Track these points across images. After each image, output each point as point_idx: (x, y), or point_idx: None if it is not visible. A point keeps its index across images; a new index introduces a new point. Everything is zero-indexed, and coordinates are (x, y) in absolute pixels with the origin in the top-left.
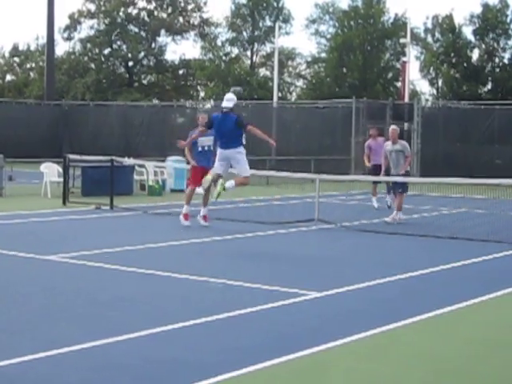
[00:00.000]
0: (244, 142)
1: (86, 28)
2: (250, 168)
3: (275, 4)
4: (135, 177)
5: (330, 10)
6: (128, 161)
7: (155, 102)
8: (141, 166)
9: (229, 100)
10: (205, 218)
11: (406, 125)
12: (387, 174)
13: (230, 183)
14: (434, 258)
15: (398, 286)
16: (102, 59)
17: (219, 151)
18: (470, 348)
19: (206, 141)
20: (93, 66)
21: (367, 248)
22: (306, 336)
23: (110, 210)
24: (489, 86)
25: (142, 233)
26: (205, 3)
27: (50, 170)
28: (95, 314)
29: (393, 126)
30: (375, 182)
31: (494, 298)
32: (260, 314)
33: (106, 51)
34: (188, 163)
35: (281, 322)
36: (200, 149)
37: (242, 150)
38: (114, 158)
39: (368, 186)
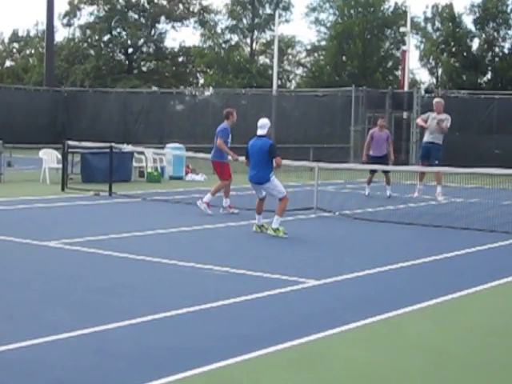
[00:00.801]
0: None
1: (86, 14)
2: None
3: None
4: (134, 164)
5: None
6: (127, 147)
7: (154, 89)
8: (140, 152)
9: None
10: (207, 204)
11: (405, 113)
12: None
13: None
14: (434, 246)
15: (398, 275)
16: (102, 46)
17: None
18: (470, 336)
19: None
20: (92, 52)
21: (366, 236)
22: (305, 324)
23: (109, 196)
24: (488, 76)
25: (140, 220)
26: None
27: (49, 157)
28: (93, 300)
29: (437, 99)
30: (372, 172)
31: (496, 286)
32: (258, 301)
33: (106, 38)
34: (225, 159)
35: (280, 310)
36: (228, 145)
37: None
38: (113, 144)
39: (366, 175)
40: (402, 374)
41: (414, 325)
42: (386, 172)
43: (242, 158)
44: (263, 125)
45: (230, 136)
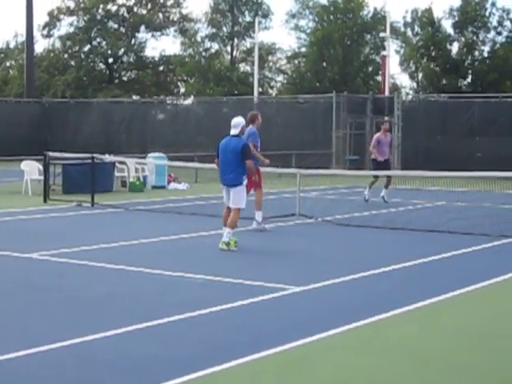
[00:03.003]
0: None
1: (66, 25)
2: None
3: None
4: (116, 174)
5: (310, 4)
6: (109, 158)
7: (136, 98)
8: (122, 162)
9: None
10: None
11: (386, 118)
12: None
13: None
14: (416, 250)
15: (381, 279)
16: (82, 56)
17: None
18: (454, 339)
19: None
20: (73, 63)
21: (349, 242)
22: (289, 330)
23: (91, 207)
24: (469, 79)
25: (123, 230)
26: None
27: (31, 168)
28: (75, 311)
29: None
30: (376, 177)
31: (478, 288)
32: (243, 309)
33: (86, 48)
34: (259, 164)
35: (263, 316)
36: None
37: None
38: (94, 155)
39: (349, 181)
40: (388, 377)
41: (398, 329)
42: (388, 176)
43: (267, 161)
44: (236, 124)
45: (260, 140)
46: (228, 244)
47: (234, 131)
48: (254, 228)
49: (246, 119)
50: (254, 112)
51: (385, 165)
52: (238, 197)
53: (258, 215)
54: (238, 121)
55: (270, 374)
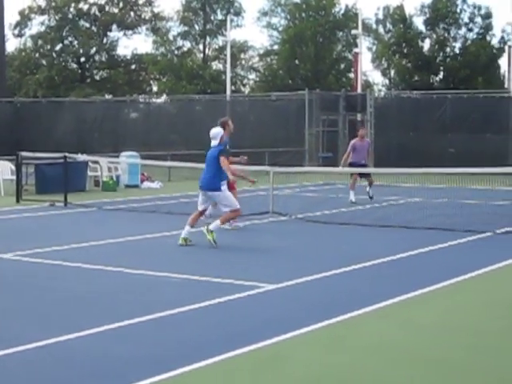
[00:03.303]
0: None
1: (37, 24)
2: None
3: None
4: (89, 173)
5: (282, 2)
6: (81, 157)
7: (108, 97)
8: (94, 162)
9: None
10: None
11: (359, 115)
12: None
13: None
14: (389, 247)
15: (354, 276)
16: (54, 55)
17: None
18: (426, 334)
19: None
20: (44, 62)
21: (322, 239)
22: (263, 328)
23: (65, 206)
24: (440, 76)
25: (96, 229)
26: None
27: (3, 168)
28: (49, 311)
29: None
30: (356, 175)
31: (452, 284)
32: (217, 307)
33: (58, 47)
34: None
35: (237, 315)
36: None
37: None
38: (67, 154)
39: (321, 178)
40: (360, 374)
41: (371, 325)
42: (367, 175)
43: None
44: (214, 135)
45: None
46: (210, 232)
47: (213, 142)
48: (227, 228)
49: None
50: (225, 118)
51: (361, 167)
52: (226, 200)
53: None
54: (215, 131)
55: (243, 372)
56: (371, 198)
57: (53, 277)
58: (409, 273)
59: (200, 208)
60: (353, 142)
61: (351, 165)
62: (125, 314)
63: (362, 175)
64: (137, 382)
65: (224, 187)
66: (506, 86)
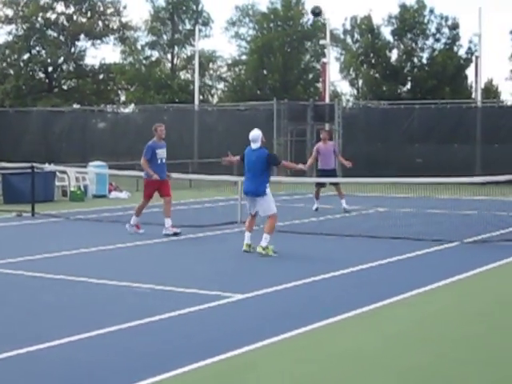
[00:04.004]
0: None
1: (4, 33)
2: (173, 171)
3: (194, 7)
4: (57, 183)
5: (250, 12)
6: (49, 167)
7: (76, 107)
8: (62, 172)
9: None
10: (137, 226)
11: (327, 125)
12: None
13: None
14: (358, 256)
15: (322, 286)
16: (21, 65)
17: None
18: (395, 343)
19: (163, 153)
20: (11, 71)
21: (292, 249)
22: (231, 338)
23: (32, 216)
24: (408, 86)
25: (65, 239)
26: (124, 7)
27: None
28: (19, 321)
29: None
30: (319, 185)
31: (420, 293)
32: (185, 317)
33: (25, 57)
34: (147, 176)
35: (205, 324)
36: (159, 161)
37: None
38: (34, 164)
39: (290, 188)
40: (330, 382)
41: (341, 335)
42: (336, 185)
43: (156, 176)
44: (255, 138)
45: (162, 151)
46: (266, 248)
47: (254, 145)
48: (164, 234)
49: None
50: (157, 124)
51: (329, 174)
52: (266, 204)
53: (167, 222)
54: (256, 134)
55: (213, 381)
56: (348, 211)
57: (23, 287)
58: (378, 282)
59: (252, 212)
60: (316, 146)
61: (320, 171)
62: (94, 324)
63: (324, 185)
64: None
65: (268, 190)
66: (473, 96)
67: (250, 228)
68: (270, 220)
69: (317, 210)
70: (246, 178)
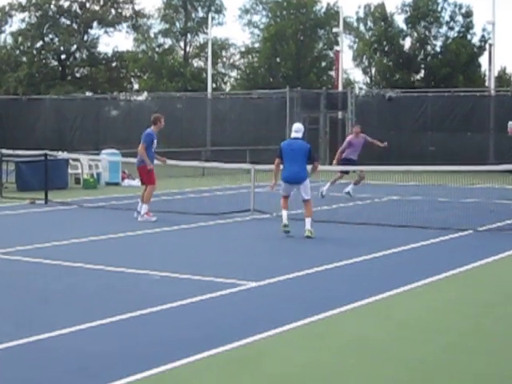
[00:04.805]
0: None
1: (17, 21)
2: (186, 159)
3: None
4: (70, 171)
5: (263, 0)
6: (62, 155)
7: (89, 94)
8: (75, 159)
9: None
10: (147, 214)
11: (340, 113)
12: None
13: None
14: (370, 245)
15: (335, 274)
16: (34, 53)
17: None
18: (404, 333)
19: (156, 143)
20: (25, 59)
21: (303, 237)
22: (243, 326)
23: (45, 204)
24: (421, 74)
25: (77, 227)
26: None
27: None
28: (31, 309)
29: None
30: (343, 172)
31: (429, 283)
32: (198, 305)
33: (38, 44)
34: (141, 163)
35: (217, 312)
36: (153, 150)
37: None
38: (47, 152)
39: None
40: (338, 372)
41: (350, 324)
42: (360, 172)
43: (152, 166)
44: (298, 129)
45: (156, 142)
46: (311, 231)
47: (296, 135)
48: (140, 220)
49: (151, 120)
50: (157, 114)
51: (354, 163)
52: (307, 189)
53: (144, 208)
54: (300, 126)
55: (222, 370)
56: (350, 196)
57: (34, 274)
58: (387, 271)
59: (288, 194)
60: (349, 138)
61: (344, 160)
62: (106, 312)
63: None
64: (116, 380)
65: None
66: (486, 84)
67: (285, 205)
68: (308, 204)
69: (323, 195)
70: (289, 166)
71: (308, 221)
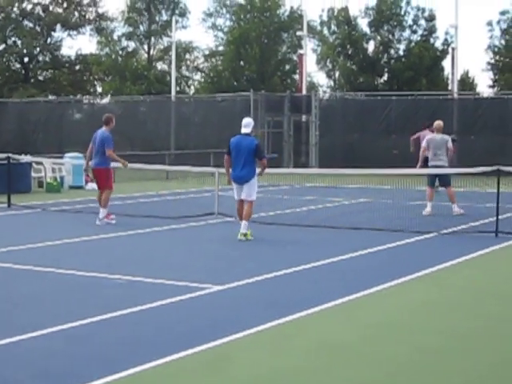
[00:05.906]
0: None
1: None
2: (150, 163)
3: None
4: (33, 174)
5: (227, 3)
6: (25, 158)
7: (52, 97)
8: (38, 163)
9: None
10: (108, 216)
11: (303, 117)
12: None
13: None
14: (335, 248)
15: (302, 276)
16: None
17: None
18: (372, 333)
19: None
20: None
21: (268, 240)
22: (209, 329)
23: (8, 208)
24: (385, 78)
25: (41, 230)
26: None
27: None
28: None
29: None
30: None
31: (395, 285)
32: (164, 308)
33: (1, 47)
34: (106, 166)
35: (185, 315)
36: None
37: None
38: (10, 155)
39: (266, 179)
40: (307, 376)
41: (318, 326)
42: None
43: (127, 163)
44: (247, 123)
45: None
46: (245, 235)
47: (245, 130)
48: (98, 223)
49: (102, 121)
50: (109, 114)
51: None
52: (251, 190)
53: (103, 212)
54: (249, 120)
55: (188, 374)
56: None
57: (1, 278)
58: (353, 273)
59: (238, 198)
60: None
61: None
62: (71, 315)
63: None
64: (87, 383)
65: (255, 177)
66: (449, 87)
67: (241, 214)
68: (248, 207)
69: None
70: (236, 165)
71: (243, 223)
